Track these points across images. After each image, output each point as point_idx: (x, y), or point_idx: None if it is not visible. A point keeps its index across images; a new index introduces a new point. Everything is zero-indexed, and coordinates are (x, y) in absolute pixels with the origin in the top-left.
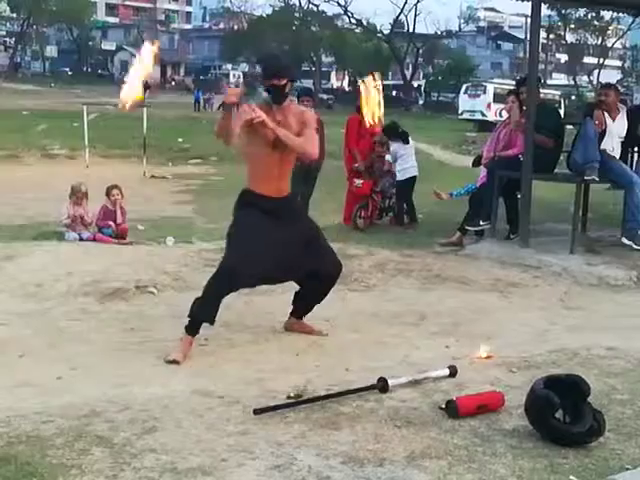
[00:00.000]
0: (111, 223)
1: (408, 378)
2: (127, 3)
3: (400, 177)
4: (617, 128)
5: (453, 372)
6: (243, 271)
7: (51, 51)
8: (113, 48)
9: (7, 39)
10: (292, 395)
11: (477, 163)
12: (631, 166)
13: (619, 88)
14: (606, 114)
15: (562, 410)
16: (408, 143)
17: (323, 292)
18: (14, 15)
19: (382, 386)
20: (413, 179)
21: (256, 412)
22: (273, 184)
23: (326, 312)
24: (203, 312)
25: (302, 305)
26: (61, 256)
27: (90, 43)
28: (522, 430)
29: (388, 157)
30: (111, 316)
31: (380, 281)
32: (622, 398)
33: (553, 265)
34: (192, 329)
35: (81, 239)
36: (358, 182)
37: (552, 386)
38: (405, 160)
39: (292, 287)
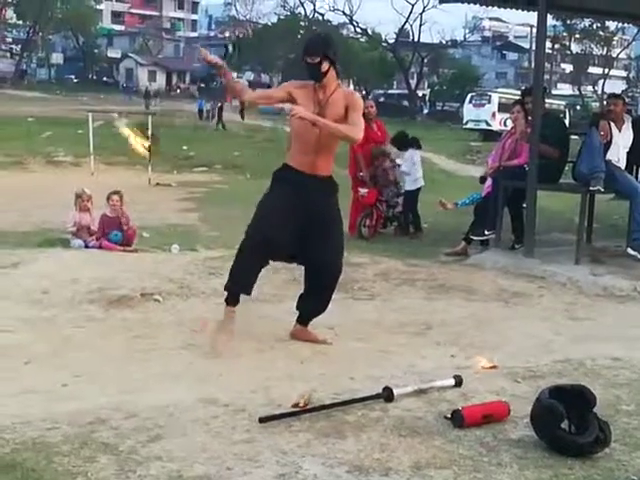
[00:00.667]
0: (114, 231)
1: (413, 387)
2: (133, 11)
3: (411, 187)
4: (623, 139)
5: (458, 382)
6: (263, 233)
7: (57, 58)
8: (119, 56)
9: (13, 46)
10: (298, 403)
11: (484, 180)
12: (636, 177)
13: (625, 99)
14: (612, 124)
15: (568, 420)
16: (420, 148)
17: (321, 293)
18: (20, 22)
19: (387, 395)
20: (419, 189)
21: (261, 420)
22: (308, 159)
23: (331, 320)
24: (239, 279)
25: (305, 309)
26: (66, 263)
27: (96, 51)
28: (528, 440)
29: (404, 167)
30: (116, 323)
31: (385, 290)
32: (628, 409)
33: (558, 275)
34: (231, 300)
35: (86, 246)
36: (363, 191)
37: (558, 396)
38: (416, 170)
39: (295, 297)
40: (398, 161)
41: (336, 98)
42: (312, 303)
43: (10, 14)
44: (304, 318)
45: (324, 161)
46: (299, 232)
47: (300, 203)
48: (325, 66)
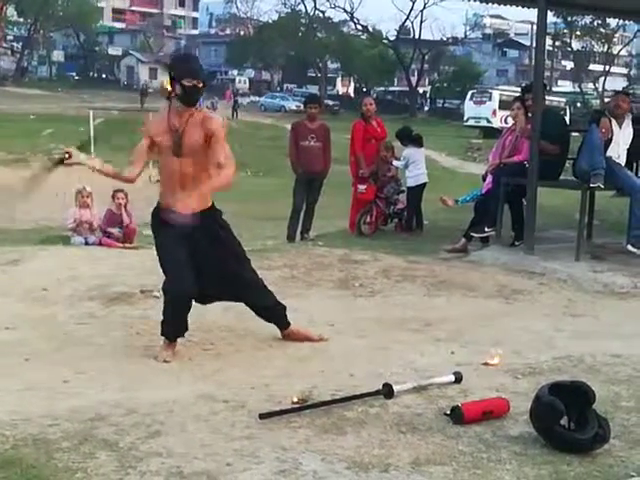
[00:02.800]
0: (113, 230)
1: (413, 384)
2: (134, 8)
3: (412, 183)
4: (623, 135)
5: (458, 378)
6: (187, 286)
7: (58, 56)
8: (119, 53)
9: (14, 44)
10: (298, 400)
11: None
12: (636, 173)
13: (628, 94)
14: (613, 121)
15: (567, 417)
16: (422, 146)
17: (265, 295)
18: (21, 20)
19: (387, 392)
20: (424, 186)
21: (261, 417)
22: (177, 197)
23: (330, 317)
24: (173, 331)
25: (269, 316)
26: (67, 260)
27: (97, 48)
28: (527, 437)
29: (397, 163)
30: (116, 320)
31: (385, 287)
32: (627, 405)
33: (558, 272)
34: (170, 339)
35: (87, 243)
36: (362, 188)
37: (557, 393)
38: (417, 166)
39: (294, 294)
40: (395, 163)
41: (194, 122)
42: (266, 309)
43: (11, 11)
44: (280, 323)
45: (195, 195)
46: (202, 270)
47: (189, 243)
48: (201, 91)
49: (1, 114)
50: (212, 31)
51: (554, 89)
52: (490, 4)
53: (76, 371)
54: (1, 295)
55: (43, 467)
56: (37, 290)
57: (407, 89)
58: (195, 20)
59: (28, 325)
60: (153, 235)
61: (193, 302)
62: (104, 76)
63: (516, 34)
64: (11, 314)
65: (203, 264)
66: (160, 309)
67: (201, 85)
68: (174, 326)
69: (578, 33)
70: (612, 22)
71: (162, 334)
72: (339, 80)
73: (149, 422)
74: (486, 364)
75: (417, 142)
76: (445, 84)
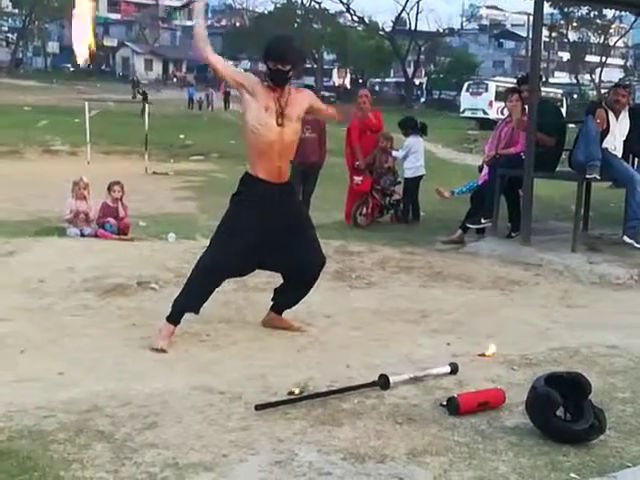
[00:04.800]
0: (110, 219)
1: (409, 375)
2: (129, 0)
3: (410, 174)
4: (620, 127)
5: (454, 369)
6: (226, 263)
7: (53, 47)
8: (115, 44)
9: (9, 35)
10: (294, 391)
11: (482, 169)
12: (633, 165)
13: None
14: (610, 113)
15: (563, 408)
16: (426, 135)
17: (306, 286)
18: (16, 11)
19: (383, 383)
20: (421, 177)
21: (257, 408)
22: (275, 166)
23: (327, 309)
24: (188, 302)
25: (283, 300)
26: (63, 252)
27: None
28: (523, 427)
29: (396, 153)
30: (112, 312)
31: (381, 278)
32: (623, 396)
33: (554, 263)
34: (174, 319)
35: (82, 235)
36: (358, 179)
37: (553, 384)
38: (417, 157)
39: None
40: (395, 153)
41: (294, 98)
42: (292, 297)
43: (5, 2)
44: (281, 308)
45: (287, 165)
46: (269, 244)
47: (269, 217)
48: (291, 73)
49: None
50: (208, 22)
51: (550, 80)
52: None
53: (72, 362)
54: None
55: (39, 458)
56: (33, 281)
57: (403, 80)
58: (190, 11)
59: (24, 316)
60: (230, 203)
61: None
62: (101, 67)
63: (512, 25)
64: (7, 305)
65: (272, 237)
66: (157, 301)
67: (287, 69)
68: (191, 295)
69: (575, 24)
70: (609, 13)
71: (172, 306)
72: (335, 71)
73: (145, 413)
74: (482, 355)
75: (421, 131)
76: (441, 75)
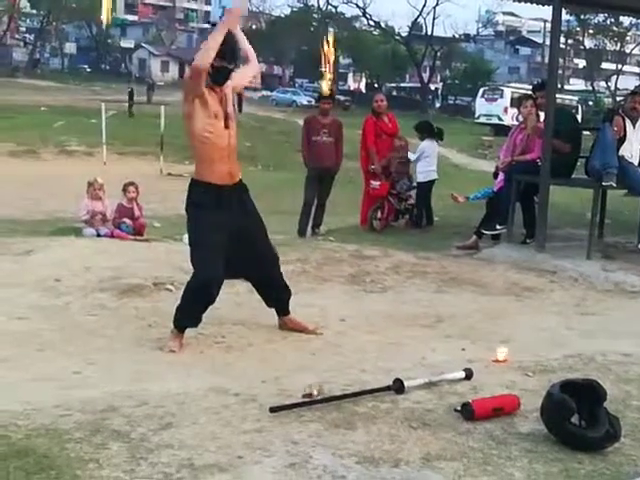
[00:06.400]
0: (126, 220)
1: (424, 380)
2: (146, 1)
3: (422, 179)
4: (637, 135)
5: (469, 375)
6: (214, 276)
7: (70, 48)
8: (132, 46)
9: (27, 35)
10: (310, 392)
11: (497, 175)
12: None
13: None
14: (627, 121)
15: (578, 415)
16: (442, 140)
17: (279, 281)
18: (34, 12)
19: (398, 387)
20: (433, 182)
21: (272, 410)
22: (226, 169)
23: (342, 312)
24: (186, 321)
25: (272, 304)
26: (79, 251)
27: (109, 41)
28: (537, 434)
29: (410, 155)
30: (128, 312)
31: (396, 283)
32: (638, 404)
33: (569, 270)
34: (178, 329)
35: (99, 235)
36: (375, 184)
37: (568, 391)
38: (429, 162)
39: (306, 289)
40: (410, 155)
41: (227, 94)
42: (276, 297)
43: (24, 3)
44: (281, 311)
45: (237, 164)
46: (233, 250)
47: (229, 218)
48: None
49: (13, 105)
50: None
51: (566, 87)
52: (503, 0)
53: (88, 362)
54: (14, 285)
55: (56, 457)
56: (49, 281)
57: (419, 85)
58: (207, 13)
59: (40, 316)
60: (188, 213)
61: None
62: (120, 69)
63: (528, 31)
64: (24, 304)
65: (234, 239)
66: (173, 302)
67: (232, 67)
68: (188, 314)
69: (591, 31)
70: (625, 20)
71: (173, 321)
72: (351, 76)
73: (161, 414)
74: (497, 361)
75: (437, 136)
76: (457, 81)
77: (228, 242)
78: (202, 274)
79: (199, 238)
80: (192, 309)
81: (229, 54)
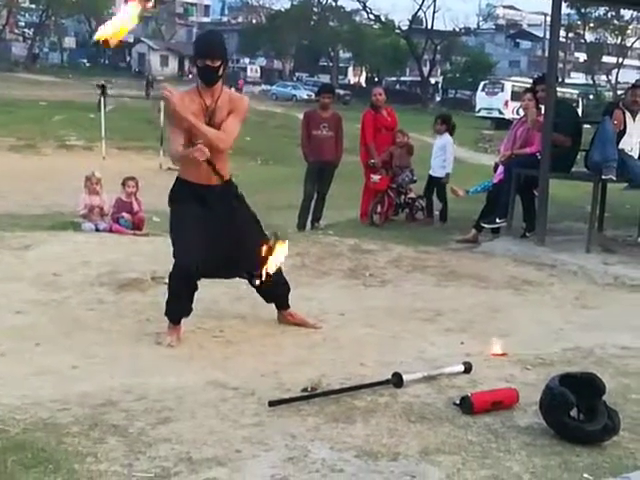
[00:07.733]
0: (124, 214)
1: (423, 373)
2: None
3: (440, 174)
4: (637, 128)
5: (468, 368)
6: (193, 261)
7: (69, 42)
8: (131, 40)
9: (26, 30)
10: (308, 388)
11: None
12: None
13: None
14: (627, 114)
15: (577, 408)
16: (452, 135)
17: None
18: (33, 6)
19: (397, 381)
20: (447, 176)
21: (271, 404)
22: (204, 170)
23: (341, 306)
24: (176, 311)
25: (270, 300)
26: (78, 246)
27: None
28: (536, 427)
29: (438, 141)
30: (127, 306)
31: (395, 277)
32: (637, 397)
33: (569, 264)
34: (173, 322)
35: (97, 229)
36: (375, 178)
37: (567, 384)
38: (448, 159)
39: (305, 283)
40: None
41: (224, 101)
42: (275, 292)
43: None
44: (277, 304)
45: (220, 167)
46: (218, 246)
47: (210, 216)
48: (221, 70)
49: (12, 100)
50: (224, 19)
51: (566, 81)
52: None
53: (86, 356)
54: (12, 280)
55: (53, 451)
56: (48, 275)
57: (419, 79)
58: (207, 8)
59: (39, 310)
60: (170, 208)
61: (202, 288)
62: (119, 63)
63: (529, 25)
64: (22, 299)
65: (217, 235)
66: None
67: (217, 65)
68: (176, 303)
69: (591, 25)
70: (626, 14)
71: (165, 314)
72: (351, 69)
73: (159, 408)
74: (495, 355)
75: (452, 130)
76: (457, 75)
77: (211, 238)
78: (180, 260)
79: (179, 230)
80: (178, 297)
81: (209, 54)
